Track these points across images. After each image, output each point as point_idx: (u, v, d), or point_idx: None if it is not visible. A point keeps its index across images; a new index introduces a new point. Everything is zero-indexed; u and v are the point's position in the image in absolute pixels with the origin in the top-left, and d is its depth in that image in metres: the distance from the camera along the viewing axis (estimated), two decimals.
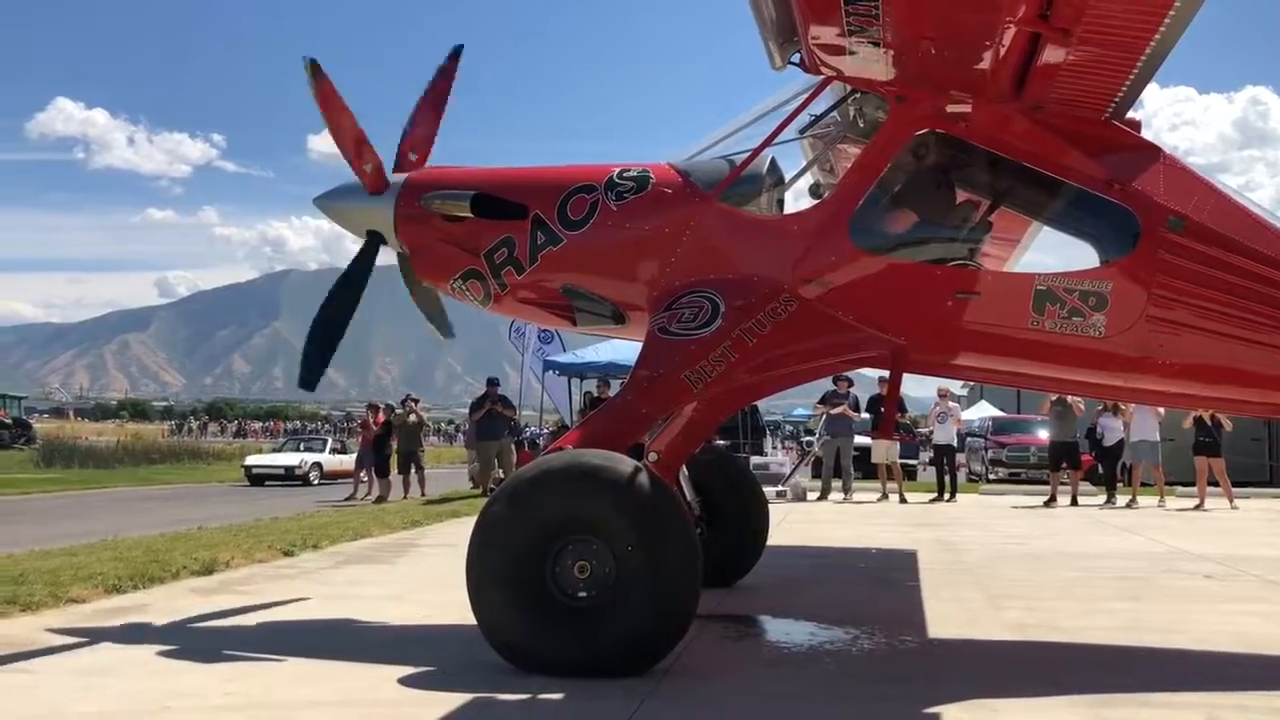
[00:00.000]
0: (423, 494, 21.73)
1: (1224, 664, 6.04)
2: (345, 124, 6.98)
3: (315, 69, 6.72)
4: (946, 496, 20.18)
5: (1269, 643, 6.58)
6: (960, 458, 25.89)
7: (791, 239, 6.43)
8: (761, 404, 27.92)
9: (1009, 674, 5.71)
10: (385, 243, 7.25)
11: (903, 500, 19.53)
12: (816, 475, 21.56)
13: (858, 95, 6.93)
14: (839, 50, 5.92)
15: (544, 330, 23.70)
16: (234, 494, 25.47)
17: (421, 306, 7.63)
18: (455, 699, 4.93)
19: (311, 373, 7.27)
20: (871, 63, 5.99)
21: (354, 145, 7.01)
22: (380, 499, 21.37)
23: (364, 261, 7.29)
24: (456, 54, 7.32)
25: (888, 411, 8.77)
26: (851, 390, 20.80)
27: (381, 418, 23.50)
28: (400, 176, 7.09)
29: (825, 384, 20.31)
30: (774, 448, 31.27)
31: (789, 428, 51.15)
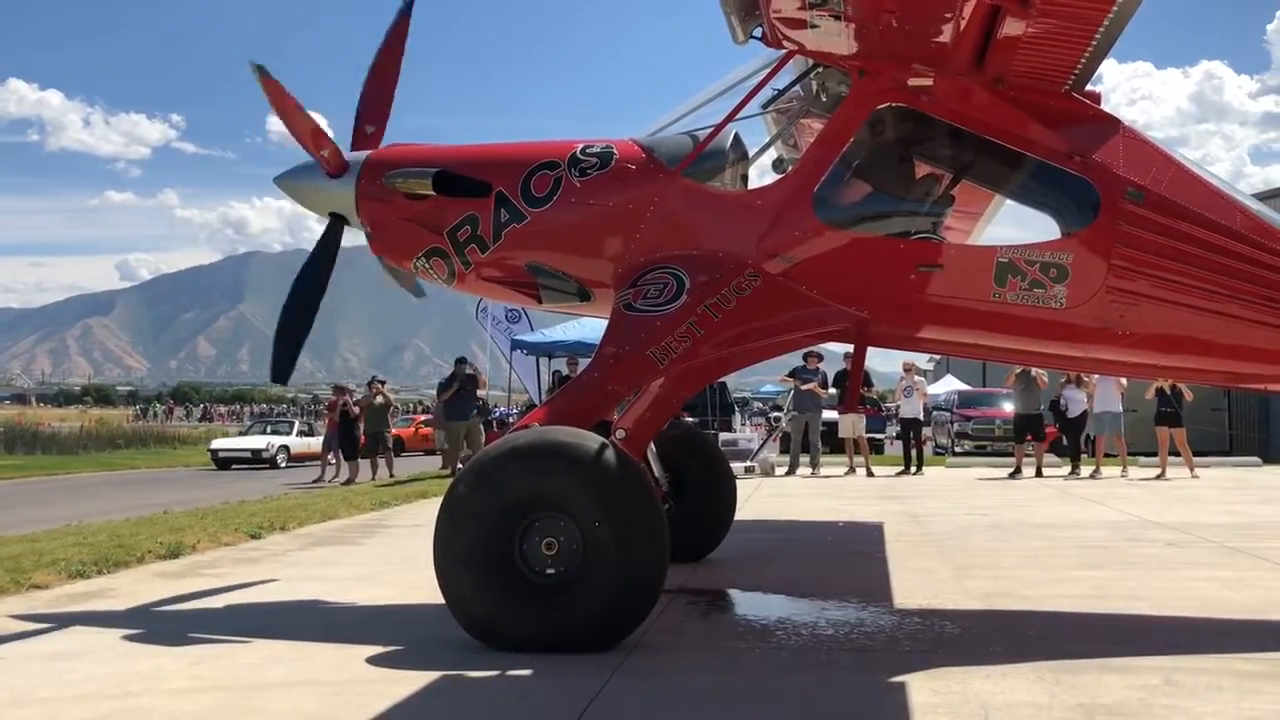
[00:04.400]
0: (390, 475, 21.68)
1: (1184, 629, 6.15)
2: (298, 118, 6.90)
3: (262, 72, 6.58)
4: (913, 469, 20.33)
5: (1228, 608, 6.69)
6: (926, 431, 26.07)
7: (755, 214, 6.43)
8: (730, 381, 28.04)
9: (973, 642, 5.77)
10: (349, 224, 7.19)
11: (870, 474, 19.65)
12: (784, 450, 21.67)
13: (820, 69, 6.92)
14: (800, 24, 5.91)
15: (511, 309, 23.61)
16: (200, 478, 25.30)
17: (394, 278, 7.51)
18: (424, 676, 4.94)
19: (283, 365, 7.12)
20: (833, 36, 5.99)
21: (310, 136, 6.94)
22: (348, 481, 21.30)
23: (328, 245, 7.22)
24: (407, 10, 7.16)
25: (852, 385, 8.83)
26: (820, 367, 20.88)
27: (351, 399, 23.38)
28: (361, 155, 7.02)
29: (792, 359, 20.39)
30: (742, 424, 31.39)
31: (757, 405, 51.29)
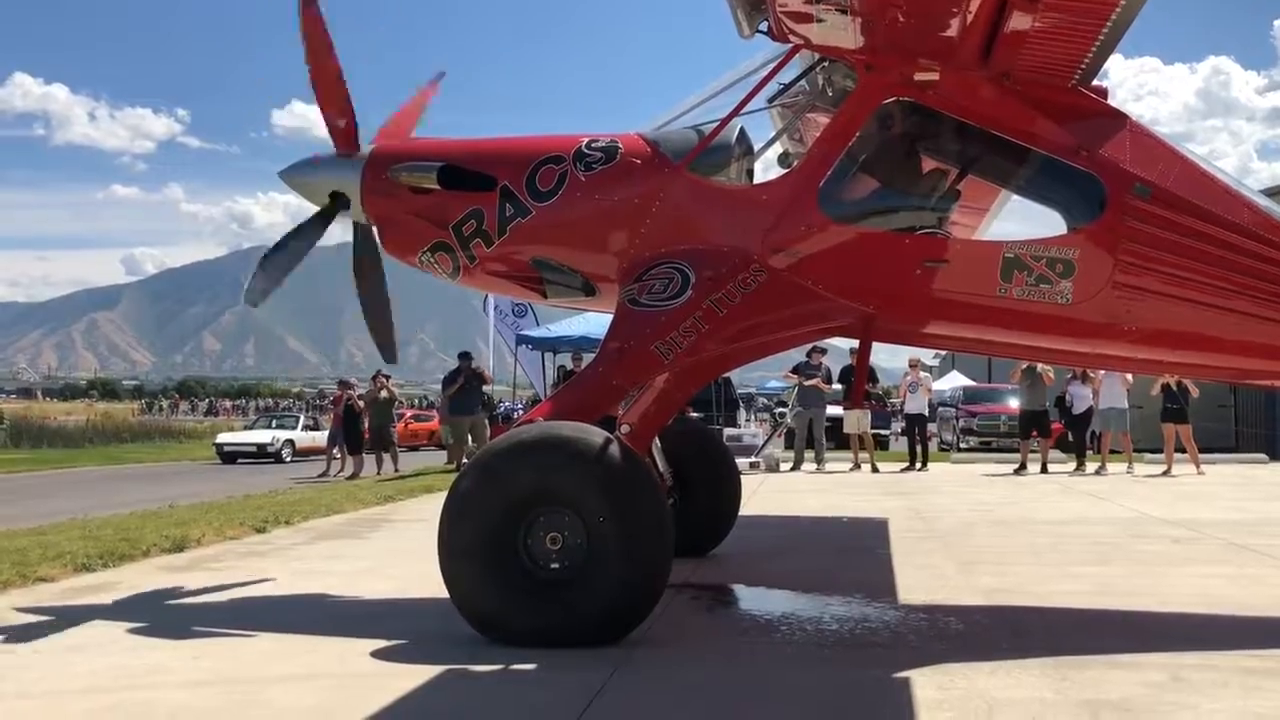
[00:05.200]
0: (395, 470, 21.69)
1: (1190, 625, 6.13)
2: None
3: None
4: (918, 465, 20.32)
5: (1234, 604, 6.68)
6: (931, 427, 26.02)
7: (761, 209, 6.41)
8: (735, 377, 28.02)
9: (978, 638, 5.76)
10: (342, 210, 7.15)
11: (875, 469, 19.65)
12: (789, 446, 21.66)
13: (826, 63, 6.91)
14: (806, 18, 5.89)
15: (518, 303, 23.64)
16: (206, 472, 25.34)
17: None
18: (428, 670, 4.94)
19: (386, 348, 7.49)
20: (839, 30, 5.97)
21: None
22: (353, 476, 21.32)
23: (361, 246, 7.25)
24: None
25: (857, 380, 8.81)
26: (824, 362, 20.86)
27: (356, 394, 23.41)
28: (365, 150, 7.01)
29: (797, 355, 20.38)
30: (747, 420, 31.41)
31: (762, 400, 51.31)
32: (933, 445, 24.72)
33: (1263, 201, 6.27)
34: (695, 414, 18.59)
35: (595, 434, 5.54)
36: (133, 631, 5.91)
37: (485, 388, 22.38)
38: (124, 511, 12.29)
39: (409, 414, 40.54)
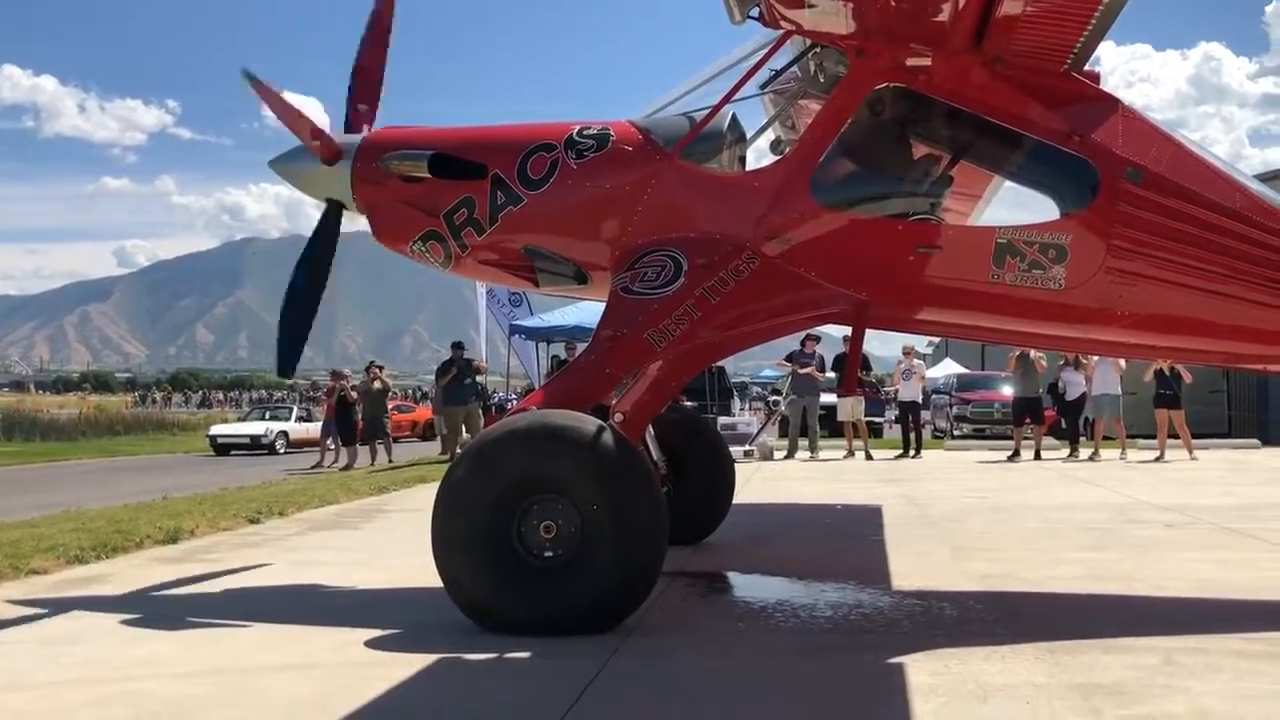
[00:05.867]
0: (389, 460, 21.68)
1: (1182, 610, 6.14)
2: (294, 117, 6.97)
3: (252, 78, 6.72)
4: (912, 453, 20.32)
5: (1226, 588, 6.70)
6: (925, 414, 26.05)
7: (753, 196, 6.40)
8: (728, 365, 28.06)
9: (971, 624, 5.78)
10: (346, 209, 7.15)
11: (868, 457, 19.66)
12: (783, 434, 21.66)
13: (818, 49, 6.88)
14: (798, 3, 5.88)
15: (514, 292, 23.61)
16: (199, 464, 25.31)
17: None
18: (422, 659, 4.94)
19: (287, 359, 7.15)
20: (830, 16, 5.95)
21: (309, 133, 6.97)
22: (347, 467, 21.30)
23: (327, 234, 7.19)
24: None
25: (850, 368, 8.77)
26: (818, 350, 20.86)
27: (349, 384, 23.38)
28: (356, 137, 6.98)
29: (790, 343, 20.38)
30: (741, 409, 31.41)
31: (756, 389, 51.34)
32: (926, 433, 24.74)
33: (1255, 186, 6.27)
34: (689, 403, 18.61)
35: (589, 422, 5.53)
36: (127, 623, 5.90)
37: (479, 378, 22.36)
38: (117, 503, 12.26)
39: (392, 405, 40.37)
